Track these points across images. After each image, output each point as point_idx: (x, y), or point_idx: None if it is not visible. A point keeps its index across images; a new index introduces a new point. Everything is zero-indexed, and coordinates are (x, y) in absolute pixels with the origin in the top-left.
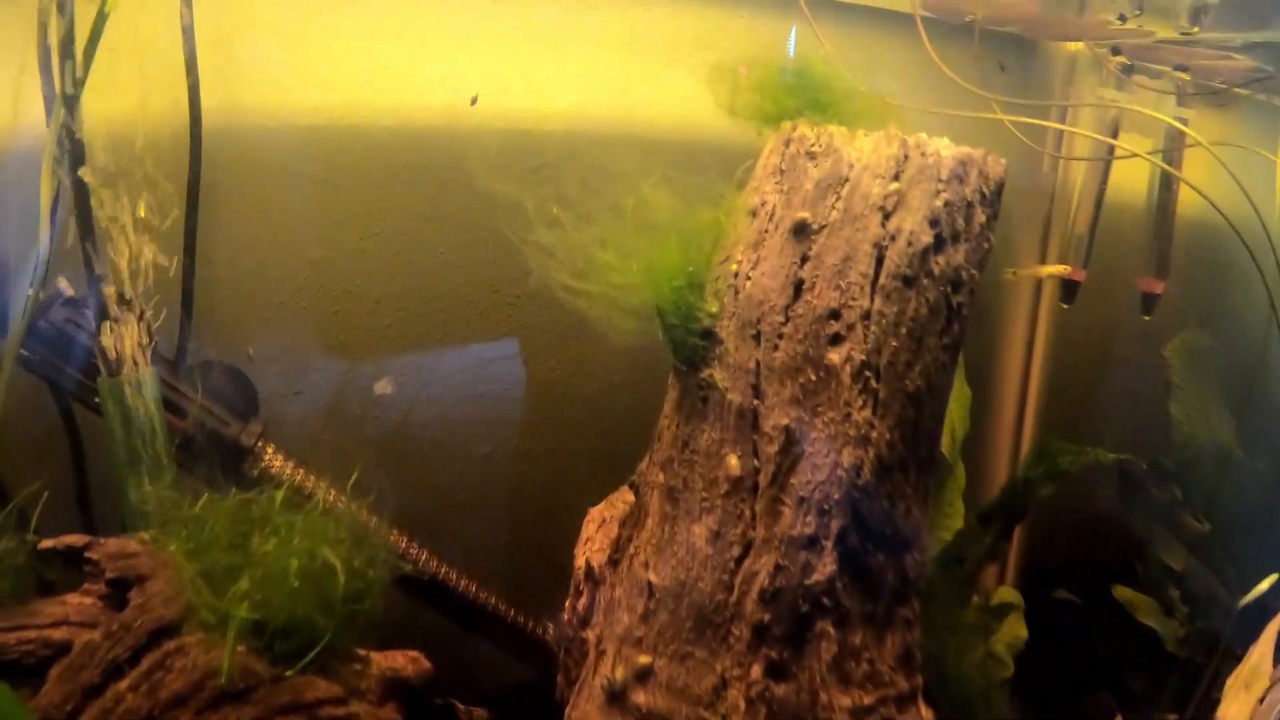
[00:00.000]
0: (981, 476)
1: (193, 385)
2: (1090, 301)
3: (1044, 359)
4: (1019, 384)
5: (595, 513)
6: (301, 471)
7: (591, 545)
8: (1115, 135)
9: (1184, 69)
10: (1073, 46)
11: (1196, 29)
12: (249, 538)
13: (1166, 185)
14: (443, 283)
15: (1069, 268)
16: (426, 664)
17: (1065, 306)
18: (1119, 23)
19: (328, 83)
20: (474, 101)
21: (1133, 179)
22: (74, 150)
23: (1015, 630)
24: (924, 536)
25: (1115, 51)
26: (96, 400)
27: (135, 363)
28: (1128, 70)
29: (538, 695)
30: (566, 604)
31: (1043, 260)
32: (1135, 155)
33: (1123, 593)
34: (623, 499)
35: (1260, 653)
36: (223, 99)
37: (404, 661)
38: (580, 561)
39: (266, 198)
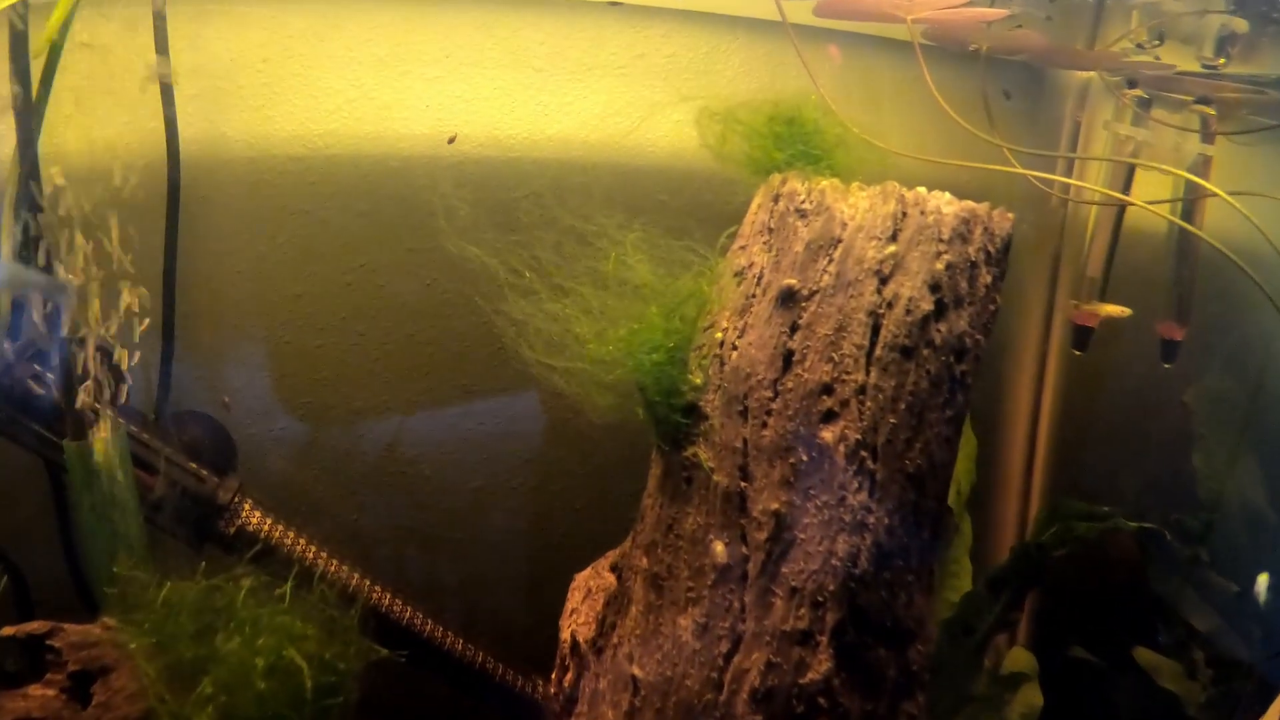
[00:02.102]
0: (989, 530)
1: (167, 437)
2: (1105, 346)
3: (1054, 406)
4: (1027, 432)
5: (580, 580)
6: (280, 528)
7: (576, 617)
8: (1131, 172)
9: (1207, 102)
10: (1085, 73)
11: (1222, 60)
12: (214, 629)
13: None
14: (428, 316)
15: (1129, 311)
16: None
17: (1078, 354)
18: (1135, 53)
19: (309, 111)
20: (451, 140)
21: (1152, 216)
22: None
23: (1030, 699)
24: (929, 625)
25: (1131, 84)
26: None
27: (104, 422)
28: (1145, 104)
29: None
30: (553, 676)
31: (1052, 299)
32: (1149, 204)
33: (1145, 656)
34: (608, 566)
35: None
36: (202, 128)
37: None
38: (565, 634)
39: (247, 229)
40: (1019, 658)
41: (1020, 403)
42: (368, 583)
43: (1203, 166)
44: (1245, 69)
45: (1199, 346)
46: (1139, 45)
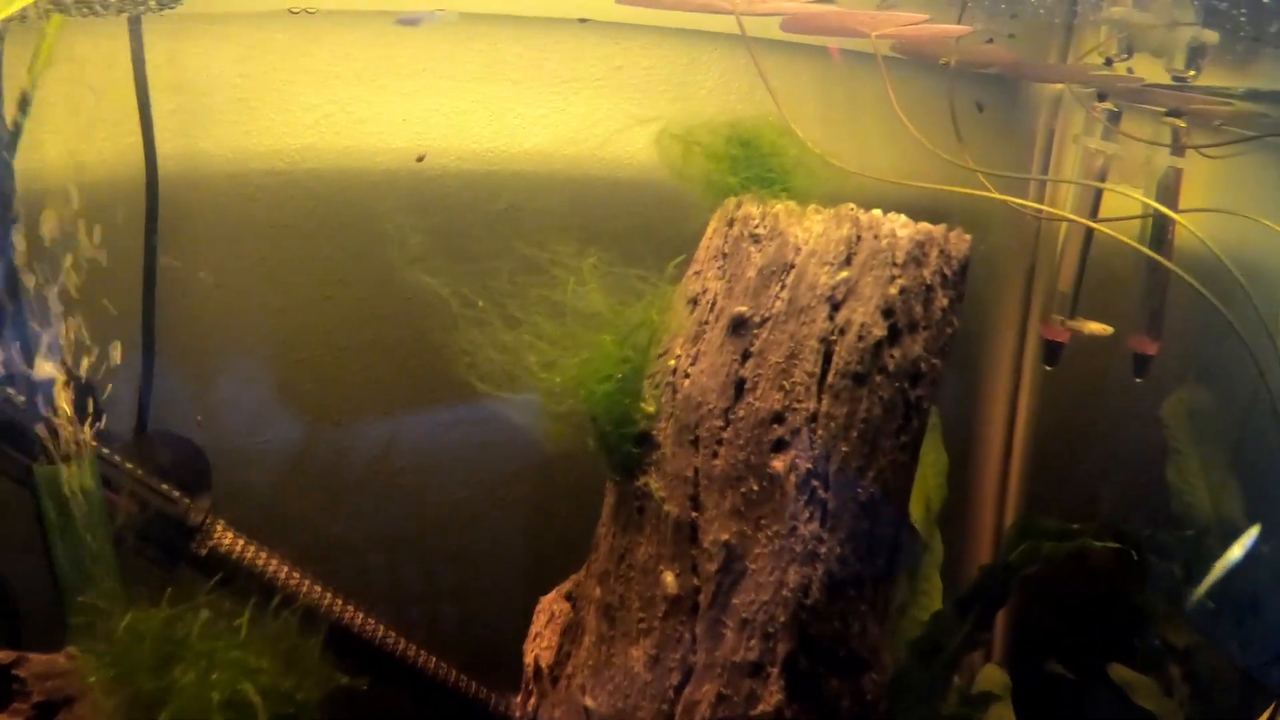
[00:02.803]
0: (964, 546)
1: (139, 458)
2: (1079, 361)
3: (1028, 421)
4: (1002, 446)
5: (545, 603)
6: (253, 549)
7: (540, 642)
8: (1101, 189)
9: (1178, 115)
10: (1055, 87)
11: (1192, 72)
12: (175, 660)
13: (1159, 240)
14: (410, 329)
15: (1110, 330)
16: None
17: (1049, 369)
18: (1104, 66)
19: (287, 126)
20: (420, 159)
21: (1123, 229)
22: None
23: (1001, 718)
24: (883, 654)
25: (1101, 97)
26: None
27: (75, 447)
28: (1114, 117)
29: None
30: (518, 699)
31: (1025, 315)
32: (1115, 219)
33: (1120, 673)
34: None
35: None
36: (180, 144)
37: None
38: (529, 659)
39: (227, 244)
40: (991, 675)
41: (995, 417)
42: (340, 602)
43: (1174, 179)
44: (1215, 81)
45: (1174, 359)
46: (1108, 59)
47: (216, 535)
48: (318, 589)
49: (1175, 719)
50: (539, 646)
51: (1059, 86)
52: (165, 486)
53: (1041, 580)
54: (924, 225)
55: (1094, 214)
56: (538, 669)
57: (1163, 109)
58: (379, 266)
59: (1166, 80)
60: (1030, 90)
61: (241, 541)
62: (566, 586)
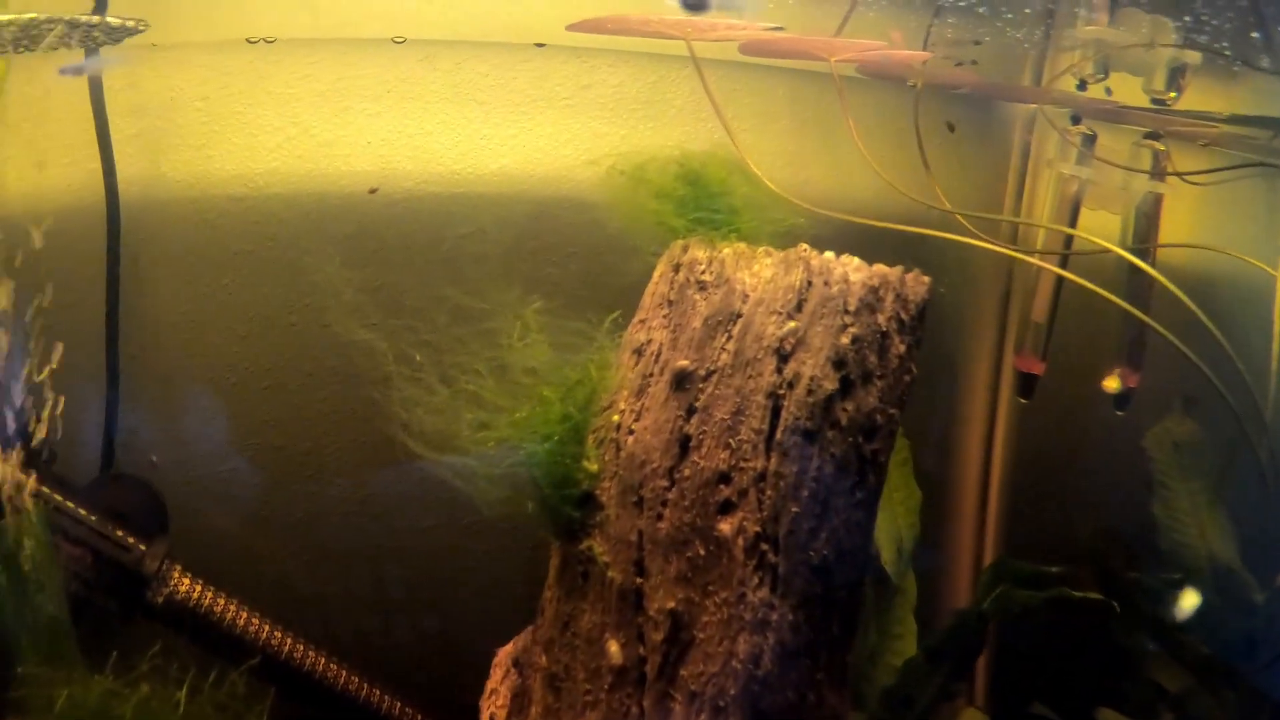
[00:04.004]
0: (940, 583)
1: (92, 503)
2: (1056, 391)
3: (1005, 454)
4: (979, 481)
5: (502, 656)
6: (211, 594)
7: (496, 699)
8: (1076, 212)
9: (1157, 138)
10: (1031, 107)
11: (1173, 94)
12: None
13: (1136, 269)
14: (375, 355)
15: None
16: None
17: (1024, 401)
18: (1079, 90)
19: (249, 150)
20: (373, 191)
21: (1101, 257)
22: None
23: None
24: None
25: (1076, 120)
26: None
27: (20, 499)
28: (1090, 140)
29: None
30: None
31: (1000, 345)
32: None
33: (1109, 717)
34: (531, 641)
35: None
36: (141, 169)
37: None
38: (485, 716)
39: (190, 271)
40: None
41: (970, 451)
42: (301, 648)
43: (1154, 205)
44: (1199, 104)
45: (1159, 390)
46: (1082, 81)
47: (173, 582)
48: (278, 634)
49: None
50: (494, 704)
51: (1031, 108)
52: (119, 533)
53: (1023, 620)
54: (879, 268)
55: (1068, 242)
56: None
57: (1141, 131)
58: (344, 291)
59: (1145, 102)
60: (1004, 108)
61: (199, 587)
62: (524, 640)
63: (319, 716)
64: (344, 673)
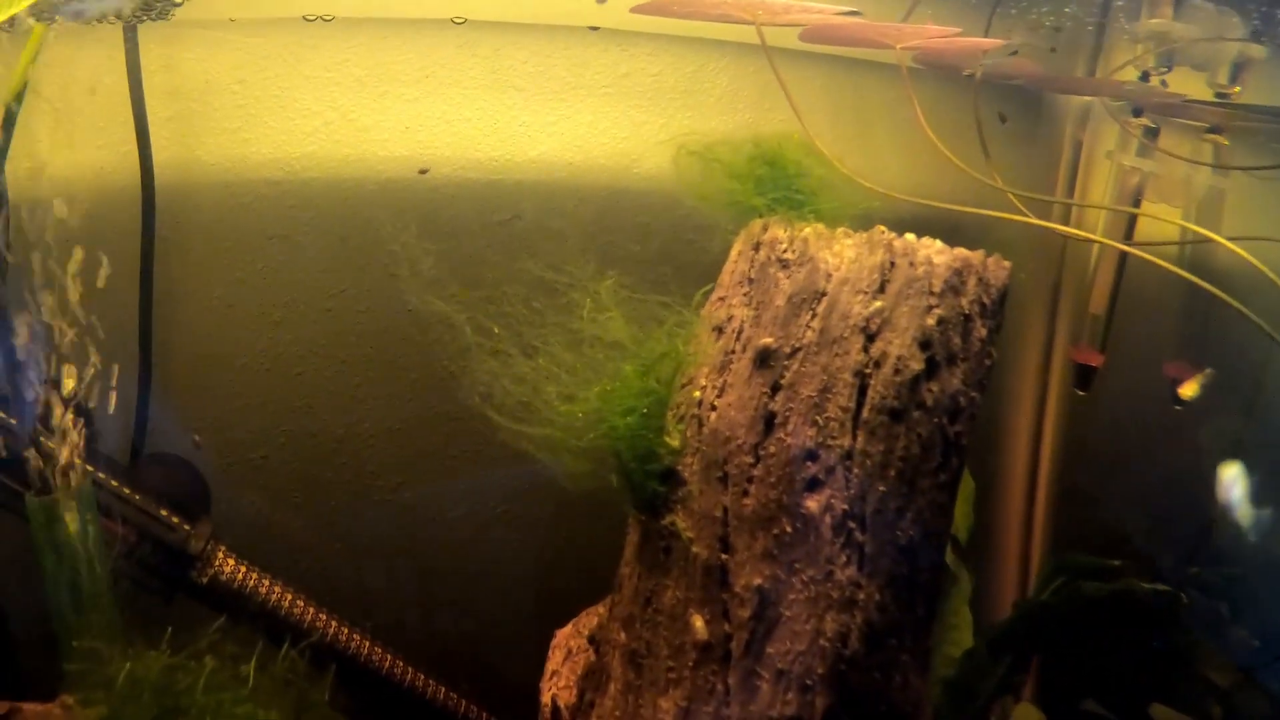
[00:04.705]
0: (989, 577)
1: (137, 483)
2: (1111, 386)
3: (1055, 448)
4: (1027, 474)
5: (561, 638)
6: (255, 575)
7: (558, 680)
8: (1138, 204)
9: (1219, 132)
10: (1080, 100)
11: (1237, 88)
12: (177, 713)
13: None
14: (410, 343)
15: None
16: None
17: (1081, 393)
18: (1140, 79)
19: (286, 134)
20: (424, 172)
21: (1160, 250)
22: None
23: None
24: (924, 708)
25: (1137, 112)
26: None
27: (69, 476)
28: (1152, 133)
29: None
30: None
31: (1051, 337)
32: (1147, 245)
33: (1162, 713)
34: (589, 624)
35: None
36: (177, 153)
37: None
38: (546, 698)
39: (225, 256)
40: (1027, 715)
41: (1019, 444)
42: (345, 630)
43: (1216, 199)
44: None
45: (1217, 385)
46: (1144, 73)
47: (217, 562)
48: (322, 616)
49: None
50: (556, 685)
51: (1086, 99)
52: (164, 513)
53: (1074, 616)
54: (961, 251)
55: (1129, 234)
56: (556, 709)
57: (1203, 125)
58: (380, 278)
59: (1209, 96)
60: (1056, 103)
61: (243, 568)
62: (585, 621)
63: (362, 699)
64: (388, 656)
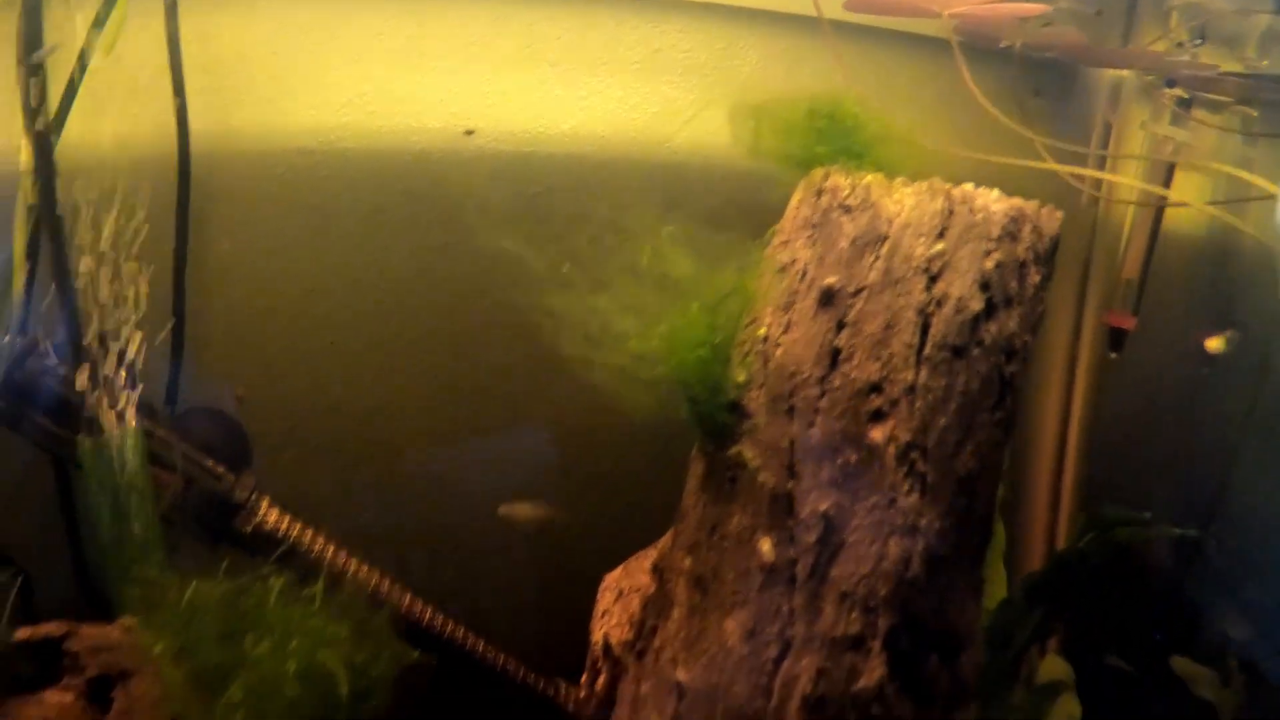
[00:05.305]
0: (1018, 535)
1: (180, 434)
2: (1139, 352)
3: (1084, 411)
4: (1056, 437)
5: (611, 580)
6: (299, 526)
7: (610, 619)
8: (1170, 172)
9: (1248, 103)
10: (1116, 71)
11: (1266, 61)
12: (243, 631)
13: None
14: (446, 315)
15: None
16: None
17: (1114, 356)
18: (1175, 52)
19: (321, 104)
20: (469, 133)
21: (1191, 215)
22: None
23: (1069, 709)
24: (978, 635)
25: (1170, 84)
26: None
27: (119, 419)
28: (1184, 104)
29: None
30: (583, 679)
31: (1081, 300)
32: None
33: (1182, 665)
34: (641, 567)
35: None
36: (212, 122)
37: None
38: (597, 637)
39: (258, 225)
40: (1054, 666)
41: (1048, 407)
42: (388, 582)
43: (1245, 169)
44: None
45: (1244, 352)
46: (1179, 44)
47: (262, 512)
48: (365, 569)
49: (1230, 704)
50: (608, 624)
51: (1116, 75)
52: (210, 462)
53: (1097, 573)
54: (1016, 201)
55: (1160, 207)
56: (608, 646)
57: (1232, 98)
58: (413, 249)
59: (1239, 68)
60: (1087, 78)
61: (287, 519)
62: (636, 564)
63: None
64: (428, 609)
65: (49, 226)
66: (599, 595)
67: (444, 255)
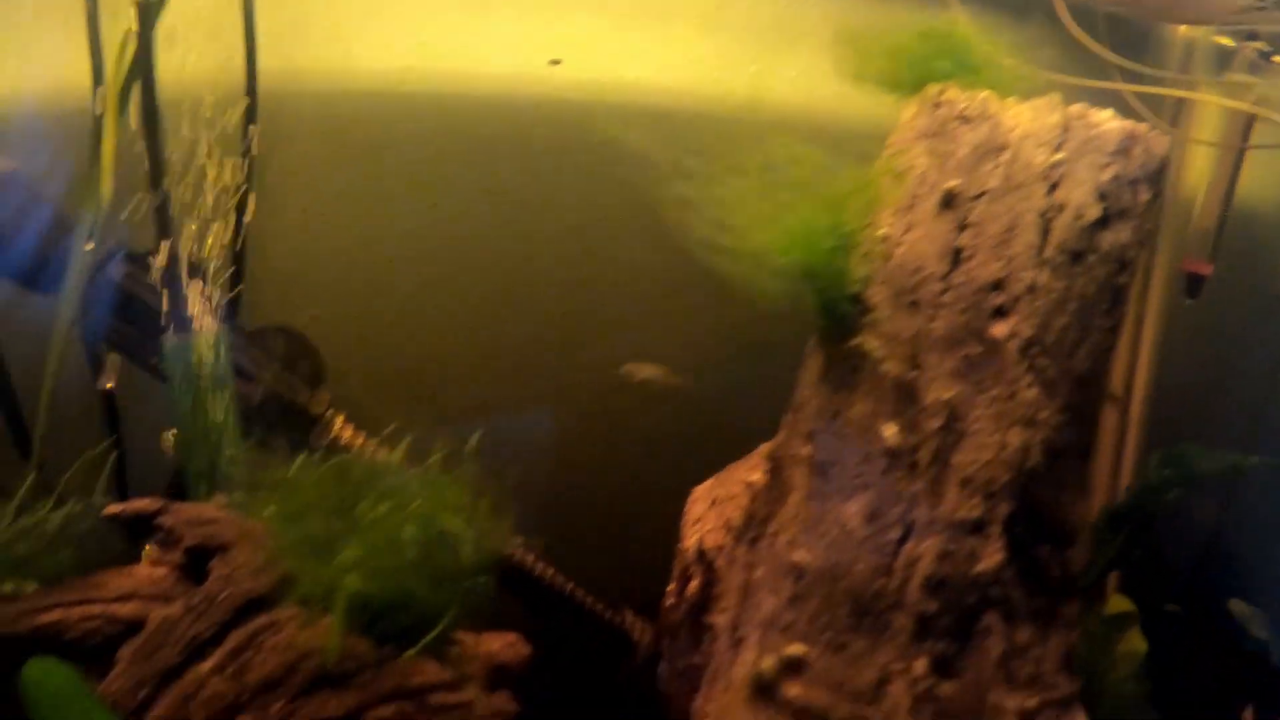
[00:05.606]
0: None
1: (258, 349)
2: (1207, 298)
3: (1152, 350)
4: (1123, 375)
5: (702, 491)
6: (374, 445)
7: (703, 525)
8: (1250, 124)
9: None
10: (1188, 31)
11: None
12: (352, 502)
13: None
14: (502, 260)
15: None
16: (525, 649)
17: (1189, 301)
18: (1258, 6)
19: (386, 46)
20: (556, 63)
21: (1269, 168)
22: (147, 99)
23: (1134, 644)
24: (1084, 528)
25: (1251, 37)
26: (154, 361)
27: (201, 323)
28: (1265, 56)
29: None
30: (670, 588)
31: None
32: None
33: (1238, 607)
34: (733, 478)
35: None
36: (278, 61)
37: (501, 645)
38: (689, 543)
39: (321, 164)
40: (1121, 602)
41: (1117, 348)
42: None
43: None
44: None
45: None
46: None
47: (337, 428)
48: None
49: None
50: (702, 529)
51: (1189, 36)
52: (288, 376)
53: (1186, 493)
54: (1128, 122)
55: (1240, 155)
56: (701, 552)
57: None
58: (476, 193)
59: None
60: (1161, 38)
61: (361, 437)
62: (727, 476)
63: None
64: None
65: (148, 132)
66: (687, 506)
67: (506, 199)
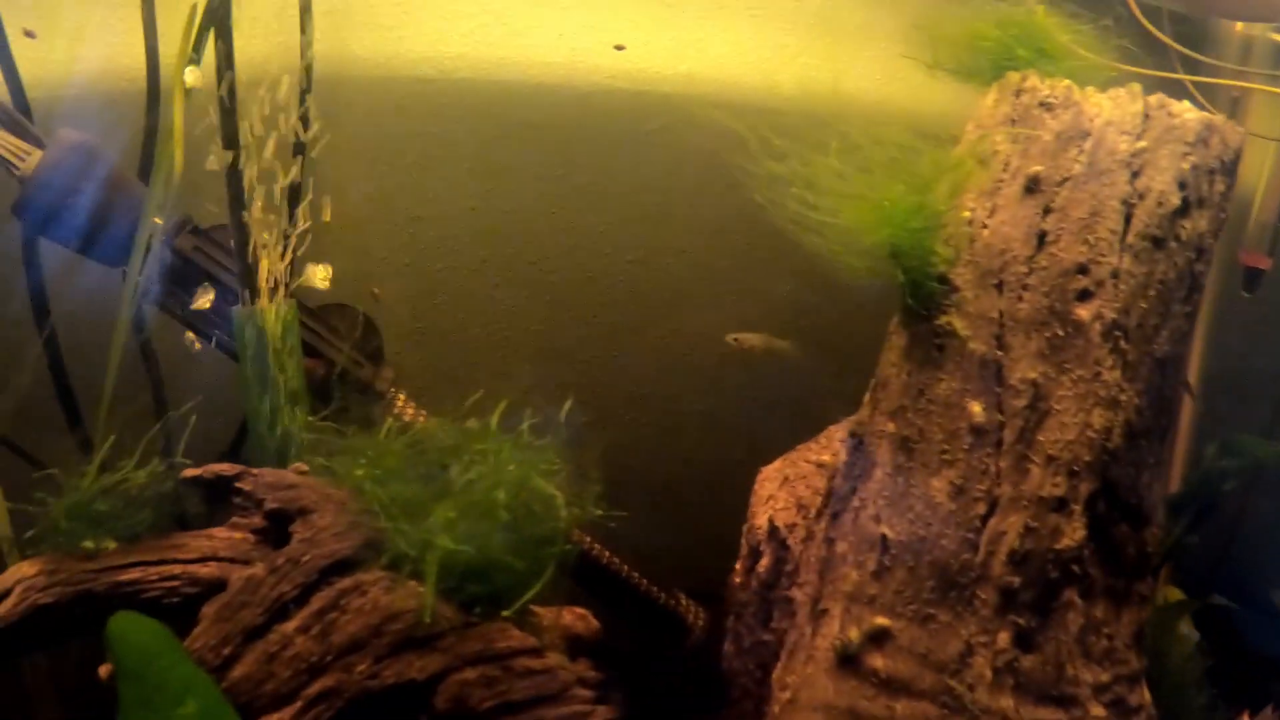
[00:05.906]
0: None
1: (323, 326)
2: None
3: (1205, 342)
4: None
5: (772, 471)
6: (435, 422)
7: (774, 504)
8: None
9: None
10: (1244, 29)
11: None
12: (440, 468)
13: None
14: (552, 247)
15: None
16: (595, 622)
17: (1246, 295)
18: None
19: (440, 33)
20: (620, 48)
21: None
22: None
23: (1187, 632)
24: (1160, 509)
25: None
26: (216, 333)
27: (270, 295)
28: None
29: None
30: (738, 566)
31: None
32: None
33: None
34: (804, 458)
35: None
36: (332, 46)
37: (573, 619)
38: (761, 521)
39: (373, 149)
40: (1171, 592)
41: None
42: None
43: None
44: None
45: None
46: None
47: (399, 406)
48: None
49: None
50: (773, 508)
51: (1246, 33)
52: (353, 352)
53: (1211, 509)
54: (1206, 113)
55: None
56: (773, 529)
57: None
58: (525, 180)
59: None
60: (1217, 36)
61: (423, 415)
62: (797, 456)
63: None
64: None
65: (223, 109)
66: (756, 485)
67: (555, 186)
